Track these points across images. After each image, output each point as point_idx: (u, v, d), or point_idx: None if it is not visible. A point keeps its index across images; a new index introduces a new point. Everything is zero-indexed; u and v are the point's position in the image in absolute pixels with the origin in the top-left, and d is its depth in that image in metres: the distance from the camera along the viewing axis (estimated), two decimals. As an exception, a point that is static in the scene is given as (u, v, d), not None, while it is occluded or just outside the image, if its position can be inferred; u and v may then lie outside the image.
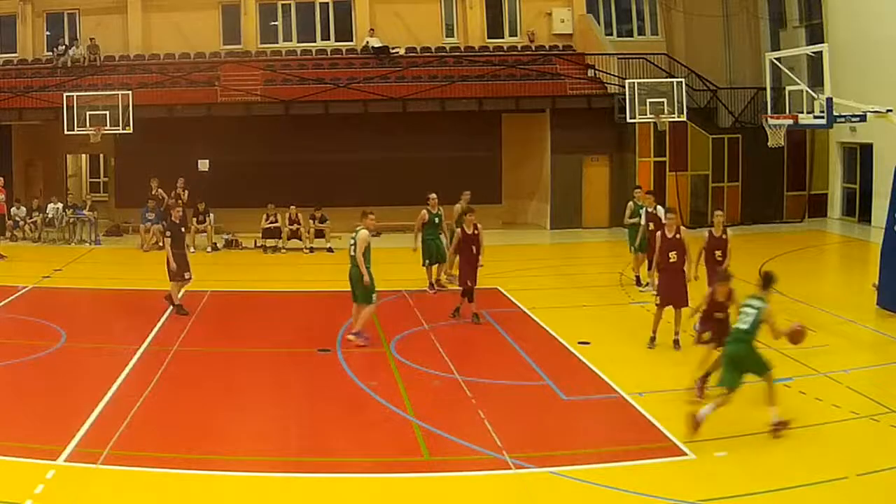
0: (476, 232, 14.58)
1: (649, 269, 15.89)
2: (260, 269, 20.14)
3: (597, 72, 25.78)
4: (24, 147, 26.69)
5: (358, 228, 12.96)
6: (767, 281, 9.76)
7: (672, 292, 12.79)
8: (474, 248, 14.49)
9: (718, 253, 13.15)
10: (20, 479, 8.05)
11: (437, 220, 17.09)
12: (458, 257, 14.96)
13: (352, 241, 12.91)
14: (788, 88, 18.21)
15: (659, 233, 13.18)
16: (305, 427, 10.02)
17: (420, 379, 11.48)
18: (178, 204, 17.05)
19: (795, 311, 13.89)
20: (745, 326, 9.34)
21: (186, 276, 15.15)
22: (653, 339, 12.78)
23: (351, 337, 12.83)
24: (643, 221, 16.39)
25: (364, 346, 12.70)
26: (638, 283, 16.93)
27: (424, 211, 17.01)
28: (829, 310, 13.62)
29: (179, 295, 15.06)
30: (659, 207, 16.26)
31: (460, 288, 14.65)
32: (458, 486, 8.37)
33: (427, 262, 16.91)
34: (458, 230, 14.66)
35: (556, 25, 27.95)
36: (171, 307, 14.97)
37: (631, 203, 17.31)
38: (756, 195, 25.67)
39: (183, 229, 15.74)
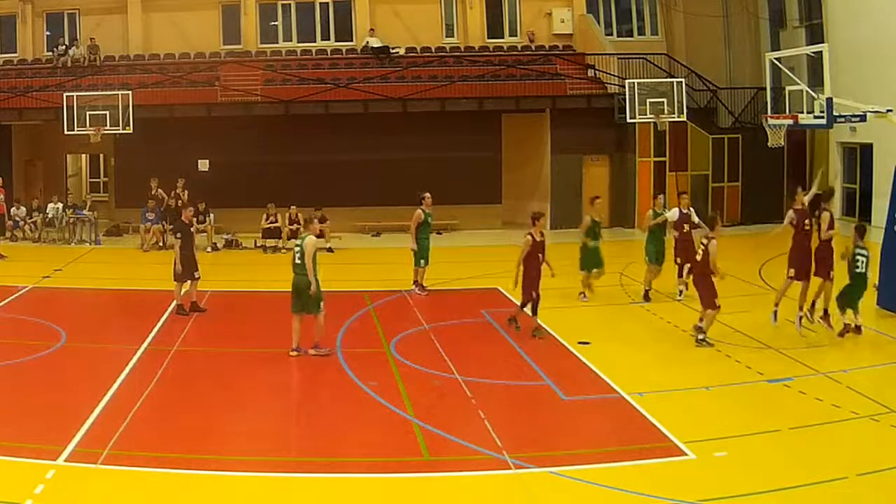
0: (542, 239, 13.72)
1: (681, 275, 15.56)
2: (260, 269, 20.13)
3: (597, 72, 25.79)
4: (24, 147, 26.72)
5: (304, 235, 12.56)
6: (863, 231, 13.46)
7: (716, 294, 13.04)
8: (541, 255, 13.55)
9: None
10: (20, 479, 8.05)
11: (429, 219, 16.92)
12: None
13: (297, 249, 12.39)
14: (788, 88, 18.17)
15: (714, 241, 12.90)
16: (305, 427, 10.03)
17: (420, 379, 11.48)
18: (188, 204, 16.95)
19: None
20: (862, 270, 13.12)
21: (196, 276, 15.20)
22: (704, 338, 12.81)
23: (312, 352, 12.28)
24: (673, 223, 15.93)
25: (328, 355, 12.26)
26: (646, 297, 15.95)
27: (419, 211, 16.72)
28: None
29: (182, 293, 15.07)
30: (692, 209, 16.12)
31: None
32: (458, 486, 8.37)
33: (423, 261, 16.70)
34: (528, 237, 13.52)
35: (556, 25, 27.95)
36: (198, 311, 15.09)
37: (650, 212, 16.54)
38: (756, 195, 25.65)
39: (192, 229, 15.76)
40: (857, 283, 13.16)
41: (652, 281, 16.14)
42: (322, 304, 12.36)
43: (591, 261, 16.03)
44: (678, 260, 15.72)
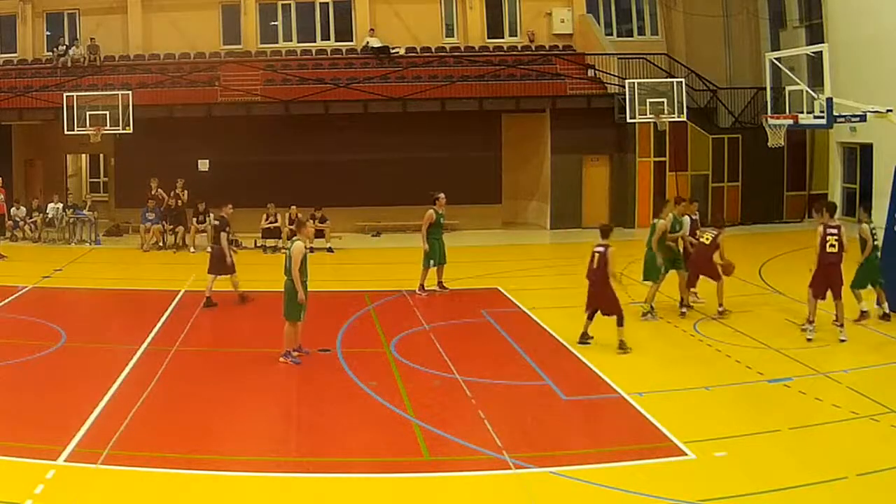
0: None
1: (693, 285, 15.01)
2: (260, 269, 20.09)
3: (597, 72, 25.79)
4: (24, 147, 26.70)
5: (294, 240, 12.33)
6: (869, 207, 14.47)
7: None
8: None
9: None
10: (20, 479, 8.05)
11: (442, 220, 16.76)
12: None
13: (287, 254, 12.16)
14: (788, 88, 18.20)
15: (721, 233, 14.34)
16: (305, 427, 10.02)
17: (420, 379, 11.48)
18: (227, 201, 17.15)
19: (796, 311, 13.89)
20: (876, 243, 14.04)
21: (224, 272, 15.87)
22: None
23: (282, 360, 11.99)
24: (687, 232, 14.96)
25: (297, 364, 11.91)
26: (685, 304, 14.86)
27: (431, 211, 16.55)
28: (830, 310, 13.60)
29: (236, 284, 15.83)
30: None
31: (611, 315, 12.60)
32: (458, 486, 8.37)
33: (431, 262, 16.56)
34: (612, 248, 12.56)
35: (556, 25, 27.96)
36: (211, 305, 15.54)
37: (671, 216, 14.94)
38: (756, 195, 25.67)
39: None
40: (864, 263, 13.87)
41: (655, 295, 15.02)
42: (302, 313, 12.03)
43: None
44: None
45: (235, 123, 24.58)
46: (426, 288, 16.66)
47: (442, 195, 16.81)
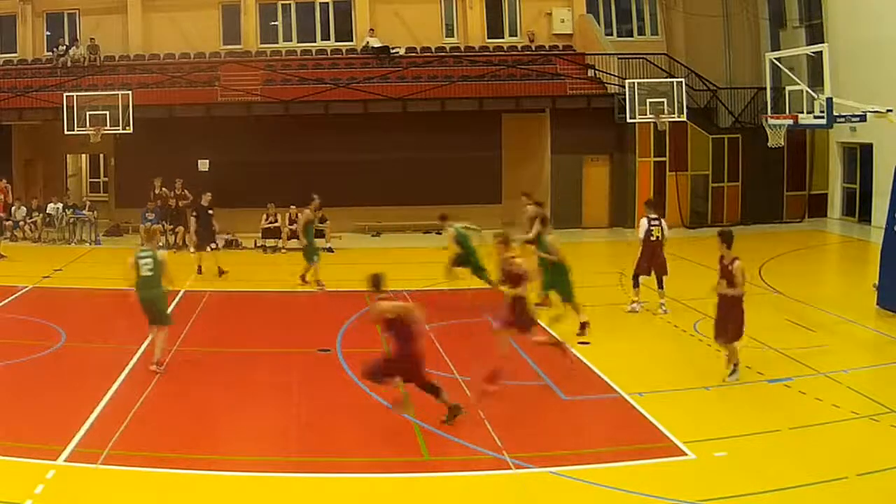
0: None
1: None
2: (260, 269, 20.13)
3: (597, 72, 25.80)
4: (24, 147, 26.72)
5: (149, 249, 11.94)
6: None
7: None
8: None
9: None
10: (20, 479, 8.06)
11: (317, 220, 17.69)
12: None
13: (148, 262, 11.66)
14: (788, 88, 18.23)
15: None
16: (305, 427, 10.02)
17: (420, 379, 11.45)
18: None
19: (795, 311, 13.89)
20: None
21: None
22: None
23: (153, 367, 11.52)
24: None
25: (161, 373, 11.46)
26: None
27: (308, 211, 17.43)
28: (829, 310, 13.63)
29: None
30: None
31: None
32: (458, 486, 8.37)
33: (315, 258, 17.18)
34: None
35: (556, 25, 28.00)
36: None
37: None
38: (756, 195, 25.66)
39: None
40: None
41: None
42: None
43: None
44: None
45: (235, 123, 24.59)
46: (320, 281, 17.12)
47: (316, 197, 17.95)
